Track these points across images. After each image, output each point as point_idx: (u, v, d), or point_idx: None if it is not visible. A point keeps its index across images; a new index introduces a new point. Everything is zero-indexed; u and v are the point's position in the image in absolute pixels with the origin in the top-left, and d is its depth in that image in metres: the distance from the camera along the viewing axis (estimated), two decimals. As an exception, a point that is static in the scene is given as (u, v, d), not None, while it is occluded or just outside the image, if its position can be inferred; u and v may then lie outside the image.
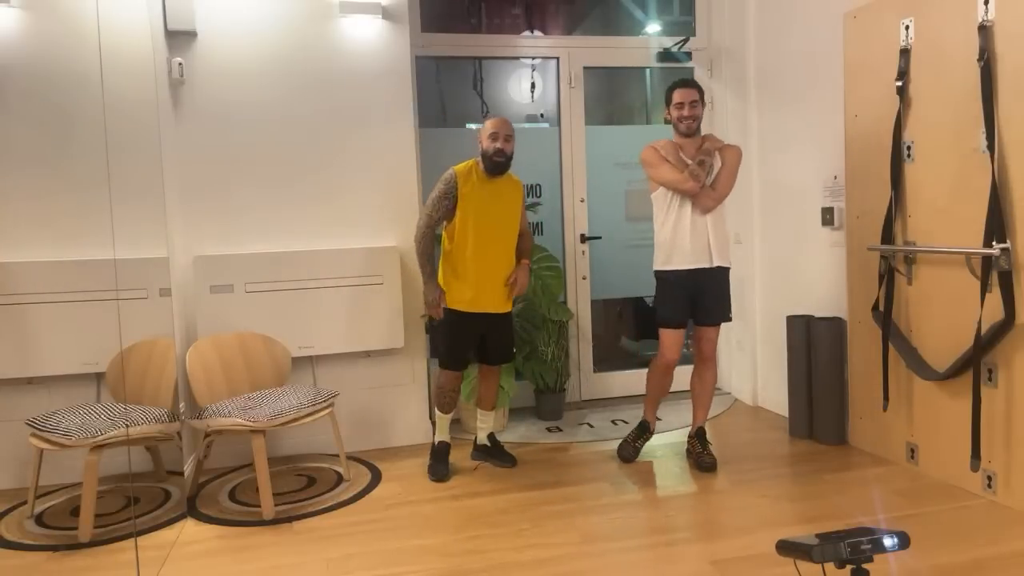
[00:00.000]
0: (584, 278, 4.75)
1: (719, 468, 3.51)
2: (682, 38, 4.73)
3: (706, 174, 3.36)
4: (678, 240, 3.44)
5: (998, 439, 2.96)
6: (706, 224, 3.41)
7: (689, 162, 3.40)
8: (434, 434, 3.62)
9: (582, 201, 4.73)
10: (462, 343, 3.50)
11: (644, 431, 3.74)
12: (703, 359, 3.60)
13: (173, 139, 3.66)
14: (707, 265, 3.43)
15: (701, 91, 3.46)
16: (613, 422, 4.33)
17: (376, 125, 3.93)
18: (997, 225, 2.85)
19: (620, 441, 3.79)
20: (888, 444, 3.52)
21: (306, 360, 3.87)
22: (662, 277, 3.51)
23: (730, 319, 3.60)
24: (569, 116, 4.70)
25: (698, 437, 3.68)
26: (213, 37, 3.71)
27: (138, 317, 3.11)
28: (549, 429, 4.21)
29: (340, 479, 3.47)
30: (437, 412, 3.58)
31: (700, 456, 3.59)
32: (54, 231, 3.01)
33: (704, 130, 4.85)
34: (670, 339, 3.50)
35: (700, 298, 3.48)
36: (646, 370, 3.70)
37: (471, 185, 3.37)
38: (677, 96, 3.42)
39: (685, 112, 3.39)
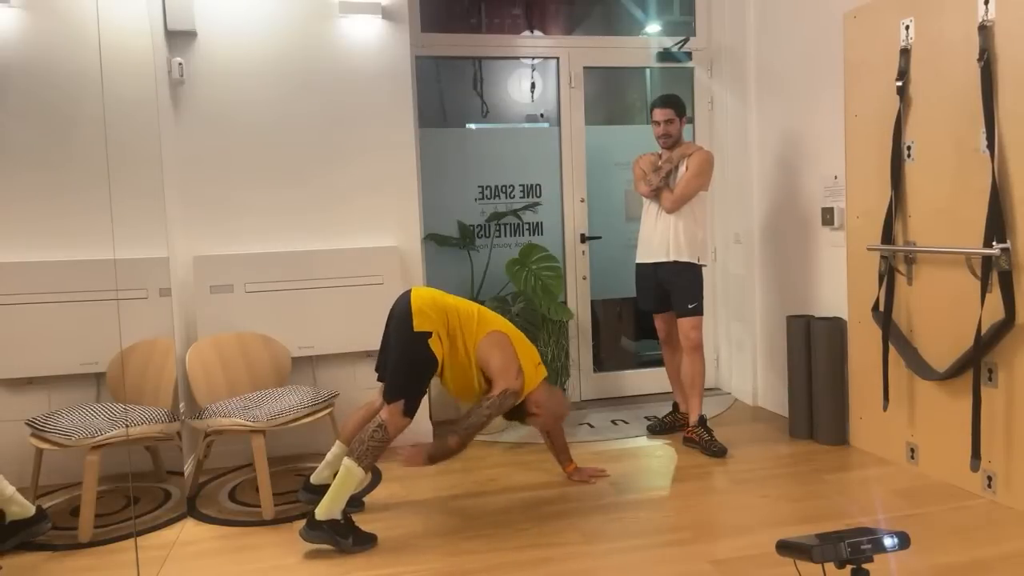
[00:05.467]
0: (584, 278, 4.75)
1: (719, 468, 3.51)
2: (682, 38, 4.73)
3: (662, 179, 3.77)
4: (644, 236, 3.94)
5: (998, 439, 2.96)
6: (672, 223, 3.79)
7: (658, 167, 3.84)
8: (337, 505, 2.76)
9: (582, 201, 4.73)
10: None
11: (674, 409, 4.18)
12: (683, 349, 3.87)
13: (173, 139, 3.67)
14: (665, 259, 3.81)
15: (678, 108, 3.82)
16: (613, 422, 4.32)
17: (376, 125, 3.93)
18: (997, 225, 2.85)
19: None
20: (888, 444, 3.52)
21: (306, 360, 3.87)
22: (636, 270, 4.02)
23: (690, 311, 3.79)
24: (569, 116, 4.70)
25: (702, 426, 3.80)
26: (213, 37, 3.71)
27: (138, 317, 3.10)
28: (549, 429, 4.21)
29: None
30: (361, 471, 2.77)
31: (709, 443, 3.71)
32: (54, 231, 3.01)
33: (704, 130, 4.94)
34: (655, 321, 4.06)
35: (664, 290, 3.89)
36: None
37: None
38: (655, 115, 3.83)
39: (661, 130, 3.81)
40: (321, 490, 2.91)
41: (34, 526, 2.79)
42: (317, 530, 2.71)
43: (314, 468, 3.19)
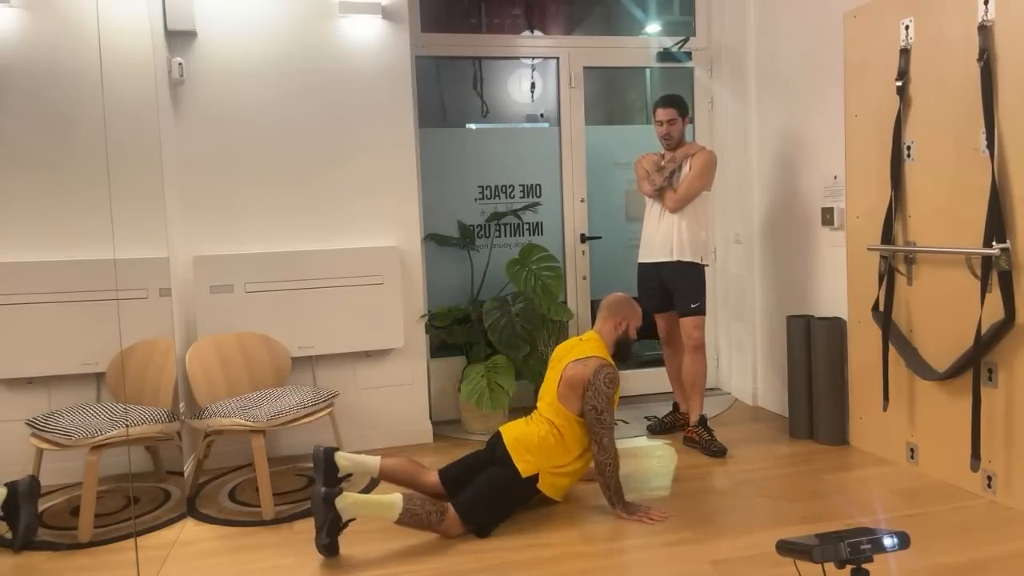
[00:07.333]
0: (584, 278, 4.75)
1: (719, 468, 3.51)
2: (682, 38, 4.73)
3: (666, 179, 3.77)
4: (647, 236, 3.94)
5: (998, 439, 2.96)
6: (675, 223, 3.79)
7: (661, 167, 3.83)
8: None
9: (582, 201, 4.73)
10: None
11: (674, 409, 4.17)
12: (684, 349, 3.87)
13: (173, 139, 3.67)
14: (668, 259, 3.81)
15: (681, 108, 3.82)
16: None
17: (376, 125, 3.93)
18: (997, 225, 2.85)
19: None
20: (888, 444, 3.52)
21: (306, 360, 3.87)
22: (638, 270, 4.01)
23: (693, 311, 3.80)
24: (569, 116, 4.70)
25: (702, 426, 3.80)
26: (213, 37, 3.71)
27: (138, 317, 3.10)
28: (549, 429, 4.21)
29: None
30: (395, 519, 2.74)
31: (709, 443, 3.71)
32: (54, 231, 3.01)
33: (704, 130, 4.94)
34: (657, 321, 4.05)
35: (667, 290, 3.89)
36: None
37: None
38: (658, 114, 3.83)
39: (664, 130, 3.81)
40: (332, 467, 2.98)
41: (19, 494, 2.73)
42: (329, 508, 2.64)
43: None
